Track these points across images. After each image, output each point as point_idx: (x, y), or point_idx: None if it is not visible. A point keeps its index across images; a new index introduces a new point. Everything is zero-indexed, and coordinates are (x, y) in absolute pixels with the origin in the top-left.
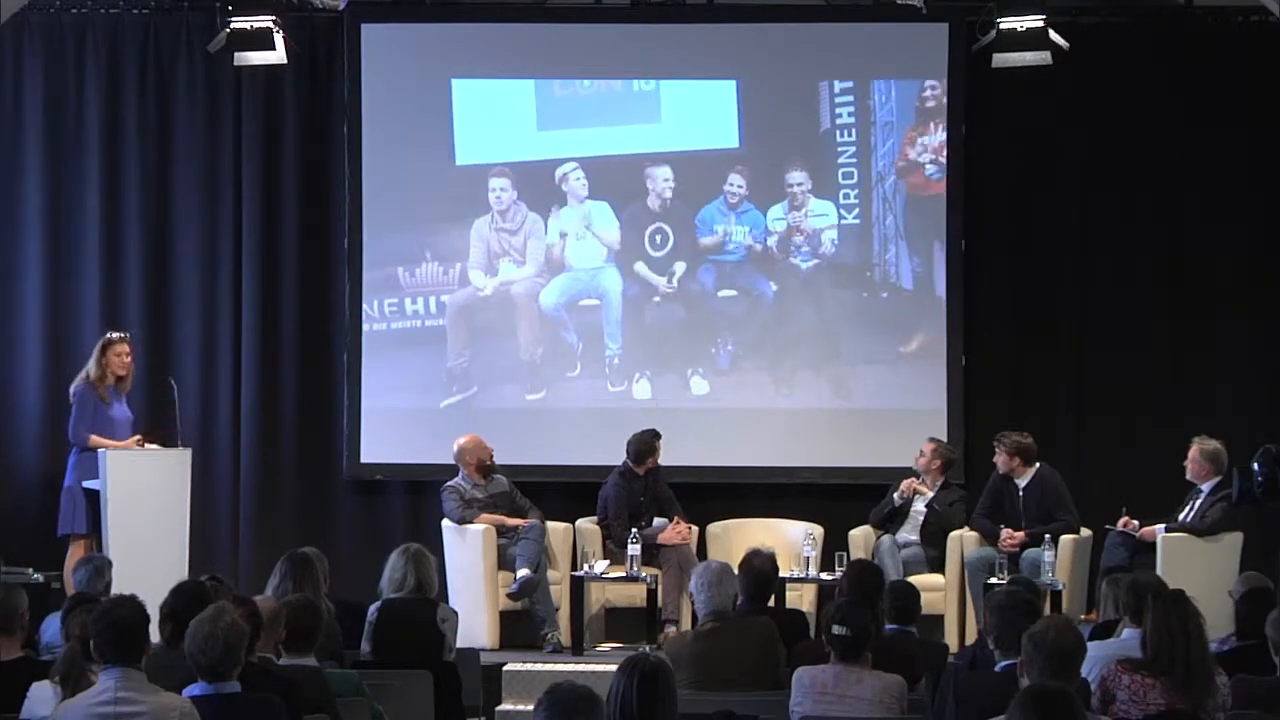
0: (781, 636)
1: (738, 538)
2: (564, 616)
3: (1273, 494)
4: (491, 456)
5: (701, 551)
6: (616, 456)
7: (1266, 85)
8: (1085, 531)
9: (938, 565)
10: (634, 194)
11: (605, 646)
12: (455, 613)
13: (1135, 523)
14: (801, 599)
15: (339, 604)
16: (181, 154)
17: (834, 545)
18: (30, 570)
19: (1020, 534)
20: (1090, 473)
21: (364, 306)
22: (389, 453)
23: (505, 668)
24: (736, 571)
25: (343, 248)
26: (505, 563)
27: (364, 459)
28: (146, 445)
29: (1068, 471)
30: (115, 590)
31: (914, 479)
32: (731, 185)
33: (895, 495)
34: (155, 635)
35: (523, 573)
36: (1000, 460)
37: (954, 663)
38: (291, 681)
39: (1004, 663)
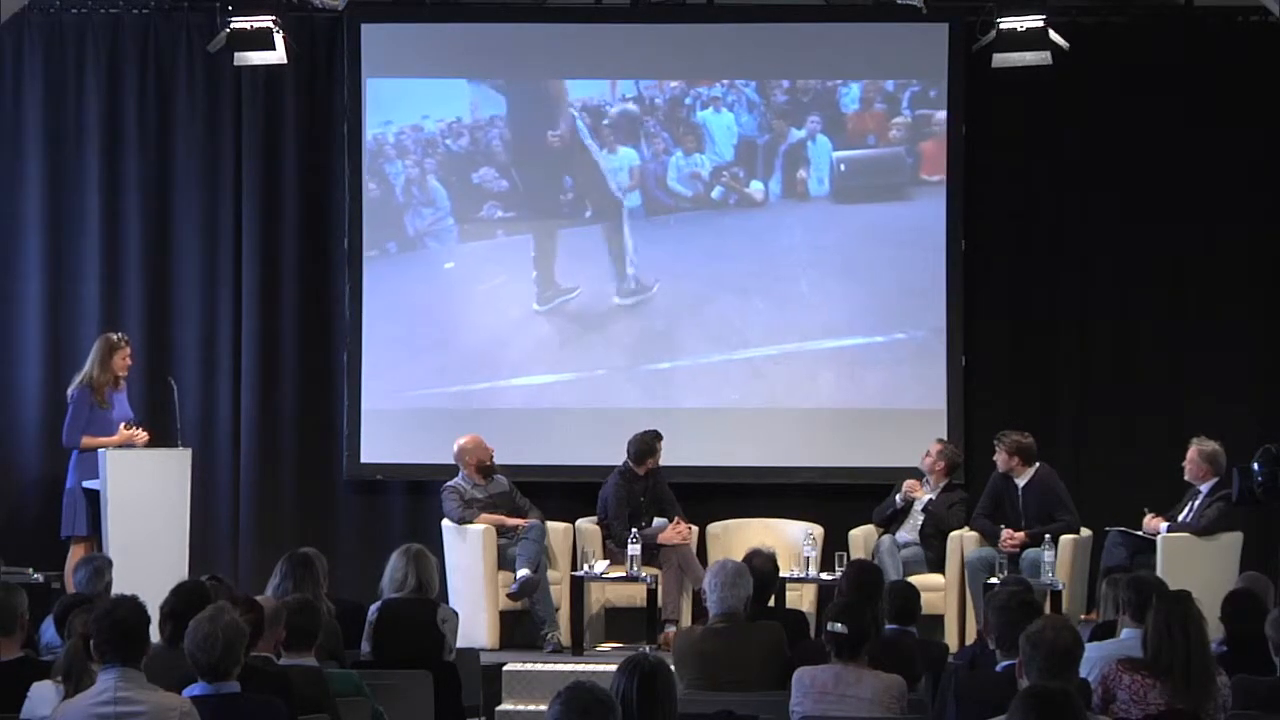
0: None
1: (738, 538)
2: (564, 616)
3: (1273, 494)
4: (491, 457)
5: (701, 551)
6: (616, 456)
7: (1266, 85)
8: (1085, 531)
9: (936, 566)
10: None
11: (605, 646)
12: (455, 613)
13: (1163, 523)
14: (801, 599)
15: (339, 604)
16: (181, 154)
17: (834, 545)
18: (30, 570)
19: (1020, 534)
20: (1090, 473)
21: (364, 305)
22: (389, 453)
23: (505, 668)
24: None
25: (343, 248)
26: (505, 563)
27: (364, 459)
28: (143, 441)
29: (1068, 471)
30: (115, 590)
31: (915, 480)
32: (731, 186)
33: (897, 497)
34: (155, 635)
35: (523, 573)
36: (1000, 459)
37: (954, 663)
38: (291, 681)
39: (1004, 663)
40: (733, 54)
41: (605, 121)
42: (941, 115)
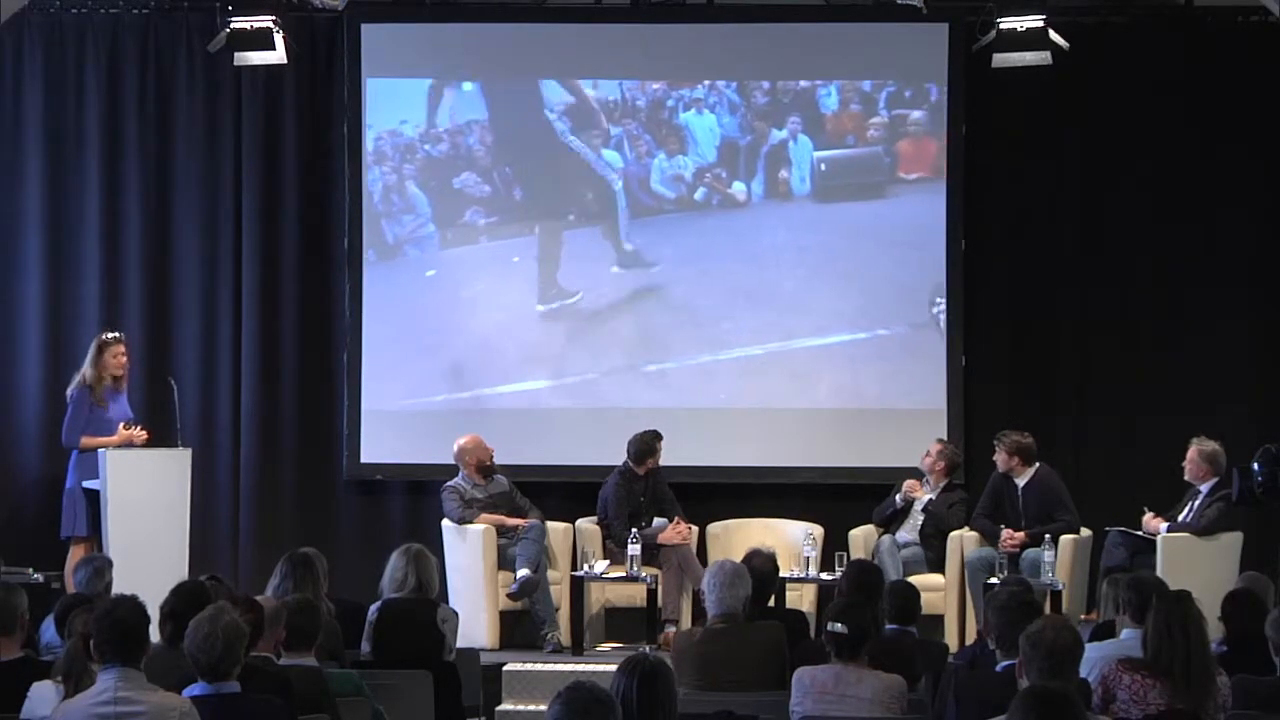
0: None
1: (738, 538)
2: (564, 616)
3: (1273, 494)
4: (491, 457)
5: (701, 551)
6: (616, 456)
7: (1266, 85)
8: (1085, 531)
9: (936, 566)
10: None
11: (605, 646)
12: (455, 613)
13: (1163, 524)
14: (801, 599)
15: (339, 604)
16: (181, 154)
17: (834, 545)
18: (30, 570)
19: (1020, 534)
20: (1090, 473)
21: (364, 306)
22: (389, 453)
23: (505, 668)
24: None
25: (343, 248)
26: (505, 563)
27: (364, 459)
28: (142, 440)
29: (1068, 471)
30: (115, 590)
31: (916, 480)
32: (714, 187)
33: (897, 497)
34: (155, 635)
35: (523, 573)
36: (1000, 459)
37: (954, 663)
38: (291, 681)
39: (1004, 663)
40: (733, 54)
41: (588, 124)
42: (941, 115)
